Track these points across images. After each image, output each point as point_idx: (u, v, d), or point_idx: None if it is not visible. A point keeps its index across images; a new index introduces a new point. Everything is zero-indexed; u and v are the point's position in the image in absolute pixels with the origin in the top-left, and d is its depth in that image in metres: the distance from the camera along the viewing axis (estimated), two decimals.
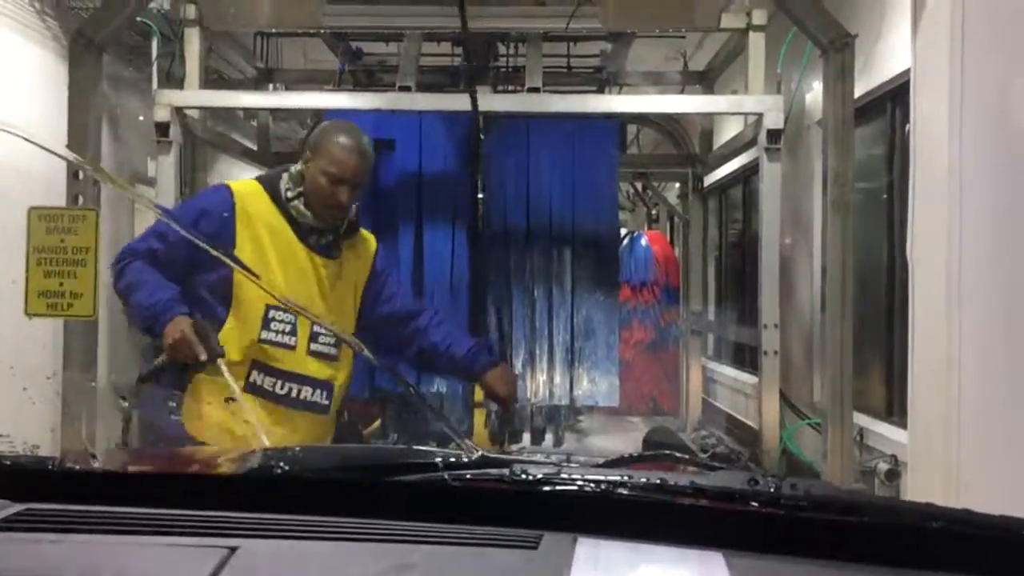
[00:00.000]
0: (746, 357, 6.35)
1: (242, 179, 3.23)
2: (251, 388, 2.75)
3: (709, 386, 6.97)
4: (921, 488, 3.39)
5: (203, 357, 2.57)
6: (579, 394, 5.29)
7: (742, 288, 6.75)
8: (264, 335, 2.79)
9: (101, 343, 4.29)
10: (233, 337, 2.75)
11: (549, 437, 5.34)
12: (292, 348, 2.81)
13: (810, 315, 5.31)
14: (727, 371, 7.00)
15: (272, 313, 2.79)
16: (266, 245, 2.84)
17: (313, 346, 2.85)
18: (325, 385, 2.87)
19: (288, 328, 2.81)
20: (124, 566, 0.95)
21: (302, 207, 2.92)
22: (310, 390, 2.83)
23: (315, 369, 2.85)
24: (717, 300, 7.65)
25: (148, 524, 1.05)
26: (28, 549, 0.99)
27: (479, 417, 5.36)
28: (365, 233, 3.28)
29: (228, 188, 2.94)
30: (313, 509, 1.12)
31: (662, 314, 8.33)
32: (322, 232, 2.98)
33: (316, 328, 2.82)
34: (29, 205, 3.95)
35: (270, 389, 2.79)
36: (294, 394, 2.81)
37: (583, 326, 5.31)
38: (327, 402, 2.87)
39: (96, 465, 1.24)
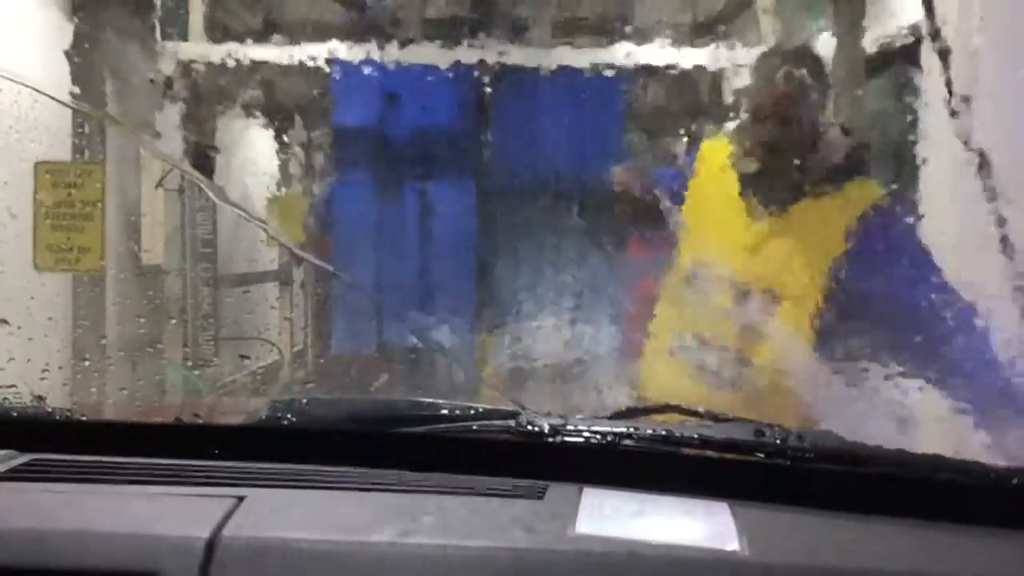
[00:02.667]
0: None
1: None
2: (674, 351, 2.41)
3: None
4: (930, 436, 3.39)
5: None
6: (585, 348, 5.30)
7: None
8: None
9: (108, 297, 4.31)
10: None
11: (553, 392, 5.36)
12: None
13: None
14: None
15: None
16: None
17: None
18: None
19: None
20: (131, 515, 0.95)
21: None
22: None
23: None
24: None
25: (155, 474, 1.06)
26: (34, 499, 0.99)
27: (485, 373, 5.37)
28: None
29: None
30: (320, 460, 1.12)
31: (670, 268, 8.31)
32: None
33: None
34: (34, 152, 3.92)
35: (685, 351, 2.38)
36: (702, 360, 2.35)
37: (590, 280, 5.31)
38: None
39: (103, 416, 1.25)
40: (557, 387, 5.48)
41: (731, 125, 2.93)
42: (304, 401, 1.25)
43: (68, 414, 1.19)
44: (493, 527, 0.97)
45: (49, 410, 1.22)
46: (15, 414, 1.19)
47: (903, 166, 3.42)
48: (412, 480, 1.07)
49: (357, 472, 1.08)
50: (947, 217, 2.92)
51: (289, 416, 1.22)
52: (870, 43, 4.04)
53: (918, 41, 3.68)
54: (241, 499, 0.98)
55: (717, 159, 2.46)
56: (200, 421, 1.25)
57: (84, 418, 1.19)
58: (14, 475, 1.04)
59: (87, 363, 3.60)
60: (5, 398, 1.27)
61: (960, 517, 1.03)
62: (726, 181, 2.39)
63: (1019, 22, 3.22)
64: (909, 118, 3.70)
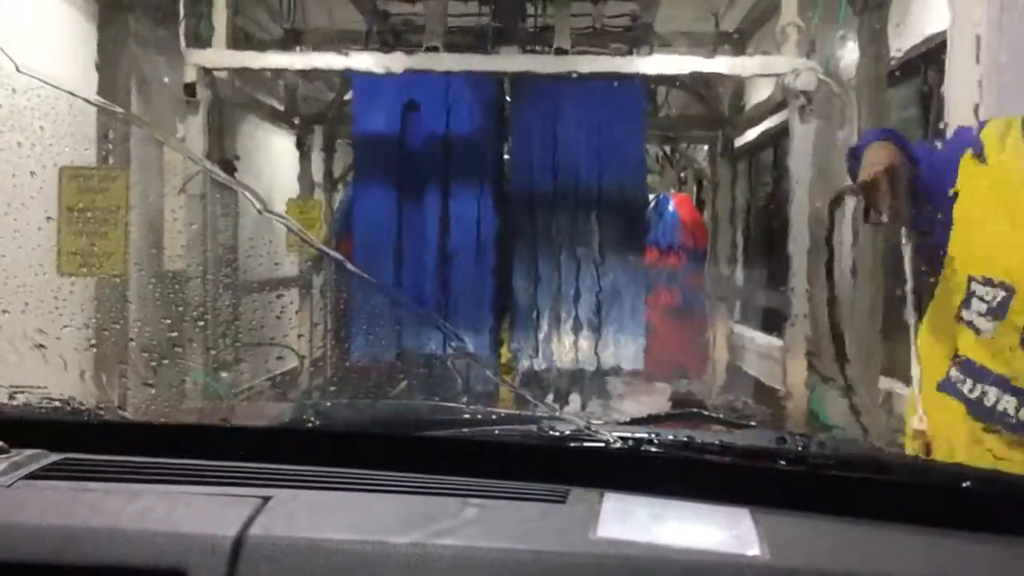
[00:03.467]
0: (773, 322, 6.32)
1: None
2: (945, 386, 2.04)
3: (736, 351, 6.95)
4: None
5: (883, 216, 1.91)
6: (605, 357, 5.30)
7: (770, 252, 6.70)
8: (964, 313, 2.01)
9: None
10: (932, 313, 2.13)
11: (574, 400, 5.37)
12: (989, 335, 1.97)
13: (840, 279, 5.26)
14: (754, 336, 6.98)
15: (974, 287, 2.00)
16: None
17: None
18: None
19: (991, 308, 1.96)
20: (162, 513, 0.97)
21: None
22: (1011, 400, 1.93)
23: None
24: (745, 264, 7.61)
25: (183, 474, 1.07)
26: (64, 497, 1.01)
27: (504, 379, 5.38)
28: None
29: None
30: (344, 462, 1.13)
31: (689, 278, 8.30)
32: None
33: None
34: (57, 153, 3.96)
35: (960, 389, 2.01)
36: (987, 402, 1.96)
37: (609, 289, 5.31)
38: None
39: (131, 417, 1.26)
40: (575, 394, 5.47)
41: None
42: (328, 404, 1.27)
43: (98, 415, 1.21)
44: (515, 530, 0.98)
45: (79, 411, 1.24)
46: (46, 415, 1.21)
47: None
48: (435, 483, 1.08)
49: (381, 475, 1.09)
50: None
51: (313, 419, 1.23)
52: None
53: None
54: (267, 499, 0.99)
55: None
56: (226, 423, 1.27)
57: (113, 419, 1.21)
58: (45, 474, 1.05)
59: (113, 366, 3.65)
60: (37, 399, 1.29)
61: (981, 525, 1.03)
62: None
63: None
64: None
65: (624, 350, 5.31)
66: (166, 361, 2.83)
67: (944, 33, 3.76)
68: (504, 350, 5.46)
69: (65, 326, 3.31)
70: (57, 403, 1.27)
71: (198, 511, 0.98)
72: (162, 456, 1.12)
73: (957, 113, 3.59)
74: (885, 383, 4.25)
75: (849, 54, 4.92)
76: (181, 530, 0.93)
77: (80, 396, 1.30)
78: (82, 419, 1.21)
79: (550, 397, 5.32)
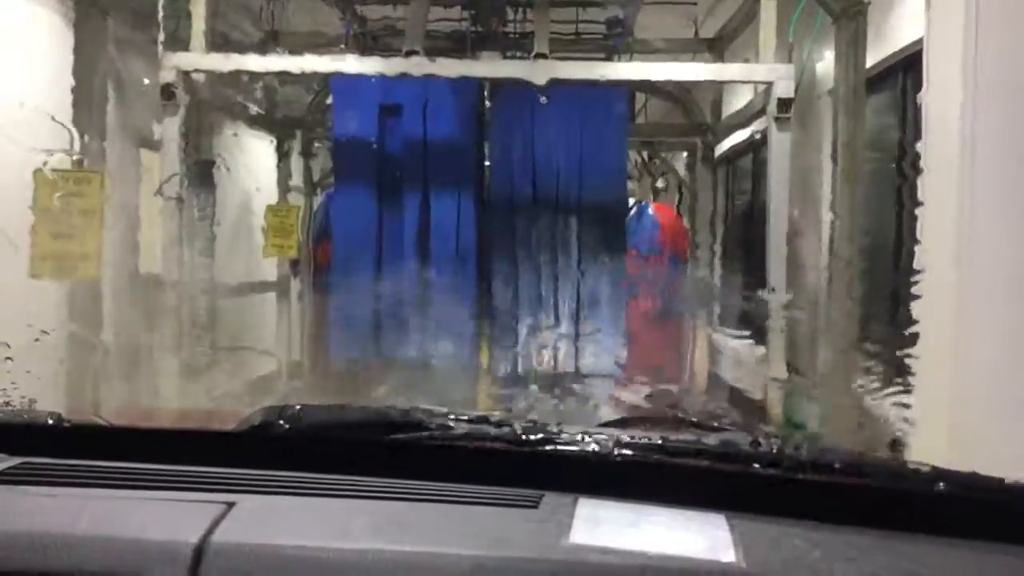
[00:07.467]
0: (753, 327, 6.33)
1: None
2: None
3: (715, 356, 6.96)
4: (925, 448, 3.38)
5: None
6: (585, 363, 5.29)
7: (750, 259, 6.72)
8: None
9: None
10: None
11: (554, 403, 5.35)
12: None
13: (817, 285, 5.28)
14: (733, 341, 6.98)
15: None
16: None
17: None
18: None
19: None
20: (120, 519, 0.94)
21: None
22: None
23: None
24: (724, 270, 7.62)
25: (146, 479, 1.04)
26: (24, 502, 0.98)
27: (483, 384, 5.36)
28: None
29: None
30: (313, 467, 1.11)
31: (669, 284, 8.30)
32: None
33: None
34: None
35: None
36: None
37: (589, 295, 5.30)
38: None
39: (94, 420, 1.24)
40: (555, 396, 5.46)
41: None
42: (297, 408, 1.24)
43: (58, 418, 1.18)
44: (487, 537, 0.96)
45: (40, 414, 1.21)
46: (3, 417, 1.18)
47: None
48: (405, 488, 1.05)
49: (349, 480, 1.07)
50: None
51: (281, 422, 1.20)
52: None
53: None
54: (231, 505, 0.97)
55: None
56: (191, 427, 1.24)
57: (74, 422, 1.18)
58: (4, 478, 1.03)
59: (82, 368, 3.59)
60: None
61: (958, 529, 1.02)
62: None
63: None
64: None
65: (604, 355, 5.30)
66: (134, 363, 2.79)
67: (921, 41, 3.78)
68: (484, 354, 5.44)
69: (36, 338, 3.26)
70: (18, 406, 1.24)
71: (159, 517, 0.95)
72: (126, 460, 1.09)
73: (935, 121, 3.61)
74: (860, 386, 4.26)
75: (827, 62, 4.94)
76: (141, 536, 0.91)
77: (45, 400, 1.27)
78: (43, 422, 1.18)
79: (530, 401, 5.30)
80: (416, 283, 5.24)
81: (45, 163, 4.09)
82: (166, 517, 0.95)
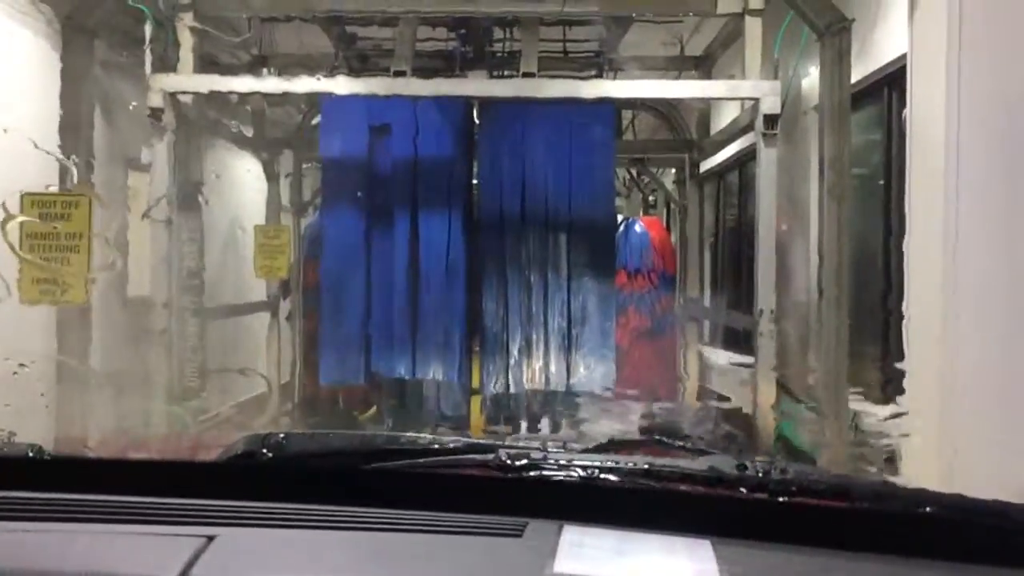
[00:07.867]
0: (742, 343, 6.33)
1: None
2: None
3: (706, 372, 6.95)
4: (916, 467, 3.38)
5: None
6: (575, 380, 5.28)
7: (738, 274, 6.72)
8: None
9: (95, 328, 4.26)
10: None
11: (545, 423, 5.34)
12: None
13: (806, 300, 5.29)
14: (724, 357, 6.98)
15: None
16: None
17: None
18: None
19: None
20: (97, 555, 0.93)
21: None
22: None
23: None
24: (713, 286, 7.63)
25: (126, 512, 1.03)
26: (1, 539, 0.97)
27: (475, 404, 5.35)
28: None
29: None
30: (296, 496, 1.10)
31: (658, 300, 8.30)
32: None
33: None
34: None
35: None
36: None
37: (579, 312, 5.30)
38: None
39: (76, 452, 1.22)
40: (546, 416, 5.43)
41: None
42: (281, 436, 1.23)
43: (39, 451, 1.17)
44: (470, 567, 0.95)
45: (20, 447, 1.19)
46: None
47: None
48: (388, 518, 1.04)
49: (332, 510, 1.05)
50: None
51: (264, 451, 1.19)
52: None
53: None
54: (211, 539, 0.96)
55: None
56: (173, 457, 1.23)
57: (52, 454, 1.16)
58: None
59: (67, 396, 3.56)
60: None
61: (945, 552, 1.01)
62: None
63: None
64: None
65: (594, 372, 5.29)
66: (121, 389, 2.76)
67: (905, 57, 3.80)
68: (474, 374, 5.42)
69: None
70: None
71: (138, 552, 0.94)
72: (106, 493, 1.08)
73: (918, 135, 3.63)
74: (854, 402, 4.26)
75: (812, 78, 4.97)
76: (118, 572, 0.89)
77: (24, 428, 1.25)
78: (22, 454, 1.17)
79: (521, 420, 5.28)
80: (406, 301, 5.22)
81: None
82: (145, 552, 0.94)
